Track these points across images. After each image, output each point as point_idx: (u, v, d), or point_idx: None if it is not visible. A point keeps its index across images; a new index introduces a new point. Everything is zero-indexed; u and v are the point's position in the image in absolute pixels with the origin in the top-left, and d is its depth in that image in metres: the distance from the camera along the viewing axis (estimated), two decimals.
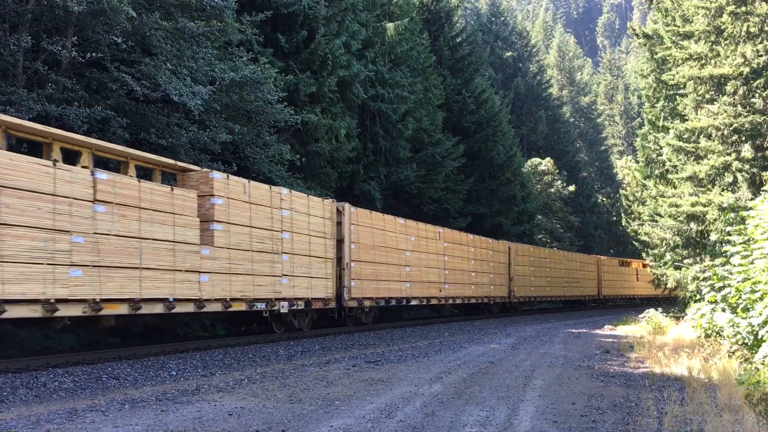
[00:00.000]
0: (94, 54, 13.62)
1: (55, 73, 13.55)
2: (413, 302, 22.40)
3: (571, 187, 54.83)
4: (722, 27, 19.30)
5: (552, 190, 52.39)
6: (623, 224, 39.19)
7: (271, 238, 15.13)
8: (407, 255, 22.03)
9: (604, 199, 71.27)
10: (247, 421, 6.84)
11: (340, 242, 18.22)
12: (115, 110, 14.28)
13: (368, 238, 19.61)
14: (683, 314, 21.10)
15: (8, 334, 12.32)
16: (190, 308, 12.79)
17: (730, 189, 19.50)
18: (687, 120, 21.16)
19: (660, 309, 22.26)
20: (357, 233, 18.97)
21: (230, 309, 13.84)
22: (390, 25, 28.70)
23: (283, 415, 7.18)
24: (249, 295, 14.33)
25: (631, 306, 46.06)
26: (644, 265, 50.01)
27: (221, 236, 13.50)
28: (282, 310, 15.55)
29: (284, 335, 16.34)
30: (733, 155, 19.20)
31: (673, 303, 31.20)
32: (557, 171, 53.98)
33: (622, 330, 21.10)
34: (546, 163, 52.65)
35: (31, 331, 12.89)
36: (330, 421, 6.88)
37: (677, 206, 21.28)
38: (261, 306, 14.74)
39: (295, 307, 16.02)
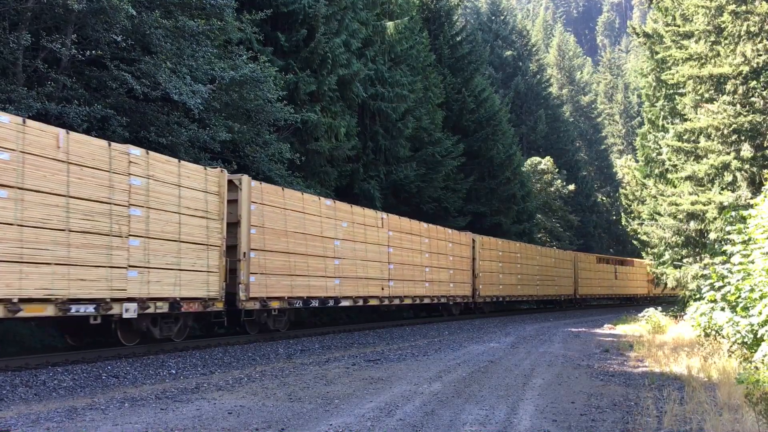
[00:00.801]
0: (93, 52, 13.61)
1: (55, 71, 13.55)
2: (344, 302, 18.49)
3: (571, 186, 54.86)
4: (722, 26, 19.30)
5: (552, 189, 52.41)
6: (623, 223, 39.22)
7: (110, 214, 11.23)
8: (336, 245, 18.14)
9: (604, 198, 71.31)
10: (246, 420, 6.84)
11: (234, 225, 14.55)
12: (115, 109, 14.28)
13: (278, 221, 15.84)
14: (683, 313, 21.11)
15: (8, 332, 12.33)
16: None
17: (729, 188, 19.51)
18: (687, 119, 21.17)
19: (659, 309, 22.26)
20: (261, 215, 15.23)
21: (18, 315, 9.76)
22: (390, 24, 28.70)
23: (282, 413, 7.18)
24: (61, 294, 10.34)
25: (609, 306, 46.11)
26: (623, 262, 49.67)
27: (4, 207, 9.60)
28: (127, 315, 11.51)
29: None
30: (733, 154, 19.21)
31: (655, 303, 31.28)
32: (557, 170, 54.00)
33: (621, 329, 21.11)
34: (546, 162, 52.66)
35: (31, 329, 12.89)
36: (329, 419, 6.88)
37: (677, 205, 21.29)
38: (86, 309, 10.78)
39: (150, 311, 12.09)
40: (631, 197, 34.91)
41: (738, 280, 10.62)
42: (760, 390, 7.07)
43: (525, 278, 33.58)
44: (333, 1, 23.23)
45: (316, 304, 17.23)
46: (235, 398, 8.07)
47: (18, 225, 9.76)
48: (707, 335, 13.73)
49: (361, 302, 19.35)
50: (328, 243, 17.76)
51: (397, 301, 21.61)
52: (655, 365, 11.69)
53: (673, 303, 32.47)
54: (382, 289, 20.49)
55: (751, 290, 9.78)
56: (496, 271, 30.19)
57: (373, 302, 20.04)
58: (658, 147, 25.66)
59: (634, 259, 51.23)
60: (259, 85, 17.08)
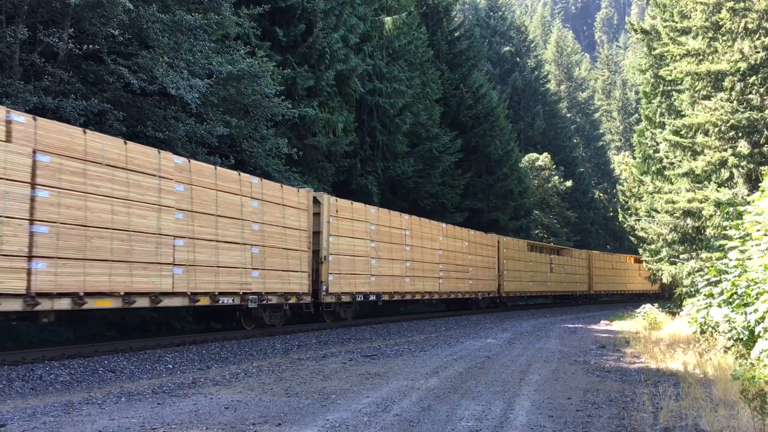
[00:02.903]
0: (90, 46, 13.57)
1: (52, 65, 13.51)
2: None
3: (569, 183, 54.86)
4: (720, 23, 19.31)
5: (549, 185, 52.44)
6: (620, 220, 39.26)
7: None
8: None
9: (601, 194, 71.39)
10: (243, 415, 6.84)
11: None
12: (112, 103, 14.24)
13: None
14: (679, 310, 21.15)
15: (4, 326, 12.31)
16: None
17: (726, 185, 19.55)
18: (684, 116, 21.19)
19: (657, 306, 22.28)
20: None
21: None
22: (388, 19, 28.65)
23: (279, 408, 7.18)
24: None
25: (612, 302, 46.16)
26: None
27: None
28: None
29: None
30: (730, 151, 19.23)
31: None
32: (554, 166, 54.00)
33: (617, 325, 21.15)
34: (543, 159, 52.68)
35: (28, 324, 12.88)
36: (326, 414, 6.89)
37: (674, 202, 21.32)
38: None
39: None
40: (628, 194, 34.93)
41: (735, 277, 10.64)
42: (755, 386, 7.10)
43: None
44: None
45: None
46: (231, 393, 8.07)
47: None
48: (703, 332, 13.77)
49: (419, 297, 23.35)
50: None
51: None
52: (651, 361, 11.72)
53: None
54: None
55: (748, 286, 9.80)
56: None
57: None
58: (655, 144, 25.70)
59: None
60: (256, 80, 17.04)
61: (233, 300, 14.08)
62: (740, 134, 19.10)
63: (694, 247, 21.68)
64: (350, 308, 19.73)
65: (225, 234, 13.88)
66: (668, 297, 45.98)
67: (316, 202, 17.68)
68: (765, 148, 18.91)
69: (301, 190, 17.12)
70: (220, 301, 13.69)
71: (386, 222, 21.31)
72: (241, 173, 14.88)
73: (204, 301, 13.28)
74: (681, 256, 22.11)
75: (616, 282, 47.63)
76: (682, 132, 20.81)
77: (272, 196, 15.62)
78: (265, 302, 15.17)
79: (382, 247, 20.88)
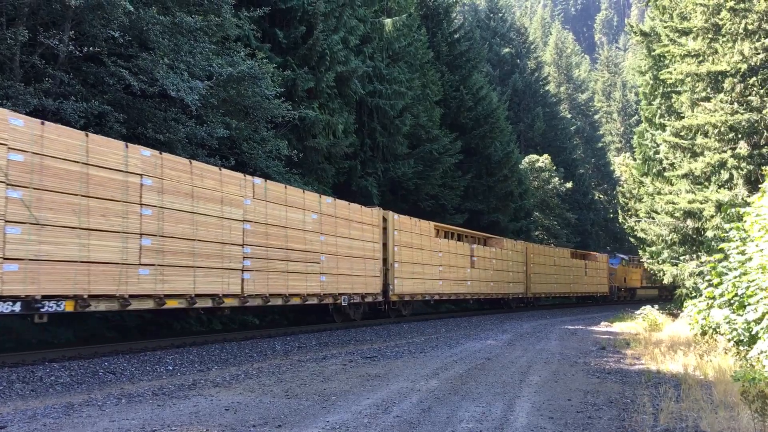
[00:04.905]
0: (91, 48, 13.57)
1: (52, 67, 13.51)
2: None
3: (569, 184, 54.88)
4: (720, 24, 19.32)
5: (549, 186, 52.45)
6: (620, 221, 39.26)
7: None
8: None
9: (601, 195, 71.45)
10: (243, 416, 6.84)
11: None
12: (113, 105, 14.24)
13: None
14: (679, 311, 21.15)
15: (5, 327, 12.32)
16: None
17: (726, 186, 19.55)
18: (684, 117, 21.20)
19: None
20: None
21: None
22: (388, 21, 28.67)
23: (279, 410, 7.18)
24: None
25: (625, 303, 45.92)
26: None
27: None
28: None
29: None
30: (729, 152, 19.24)
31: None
32: (554, 168, 54.02)
33: (618, 326, 21.13)
34: (543, 160, 52.70)
35: (28, 325, 12.88)
36: (326, 416, 6.89)
37: (674, 203, 21.33)
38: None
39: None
40: (628, 195, 34.95)
41: (736, 278, 10.65)
42: (756, 388, 7.09)
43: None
44: None
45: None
46: (232, 394, 8.07)
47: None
48: (704, 333, 13.77)
49: (453, 297, 26.31)
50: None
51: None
52: (652, 363, 11.71)
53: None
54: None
55: (748, 287, 9.80)
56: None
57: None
58: (655, 145, 25.71)
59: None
60: (256, 82, 17.04)
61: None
62: (740, 135, 19.12)
63: (695, 248, 21.69)
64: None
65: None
66: (618, 300, 45.77)
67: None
68: (765, 150, 18.92)
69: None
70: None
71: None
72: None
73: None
74: (682, 258, 22.11)
75: (560, 282, 37.81)
76: (682, 133, 20.82)
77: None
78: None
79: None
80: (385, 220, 21.17)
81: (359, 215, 19.47)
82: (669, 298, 52.19)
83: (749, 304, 9.73)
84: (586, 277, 41.68)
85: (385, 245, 21.04)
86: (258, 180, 15.08)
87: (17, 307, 9.63)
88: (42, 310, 9.93)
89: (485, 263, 28.67)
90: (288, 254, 15.73)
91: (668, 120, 23.22)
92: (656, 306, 22.06)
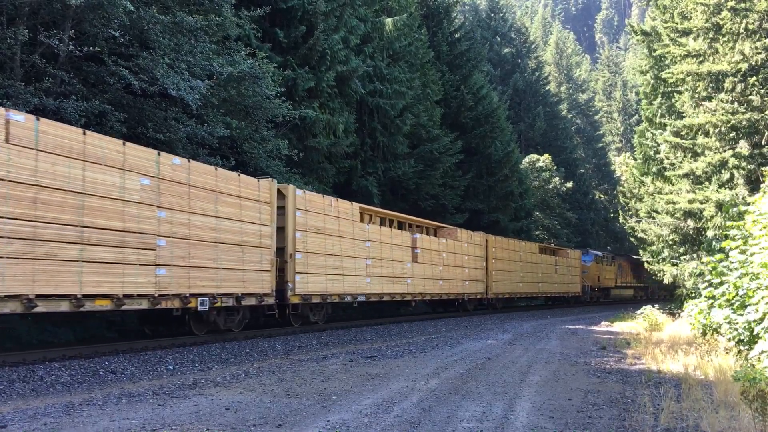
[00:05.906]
0: (91, 48, 13.57)
1: (53, 66, 13.51)
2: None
3: (569, 184, 54.86)
4: (721, 23, 19.31)
5: (549, 186, 52.43)
6: (620, 221, 39.24)
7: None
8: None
9: (602, 195, 71.40)
10: (244, 416, 6.84)
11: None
12: (113, 104, 14.25)
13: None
14: (680, 311, 21.15)
15: (5, 327, 12.31)
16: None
17: (727, 186, 19.54)
18: (684, 117, 21.19)
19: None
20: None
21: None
22: (388, 21, 28.67)
23: (279, 409, 7.18)
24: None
25: (620, 303, 45.90)
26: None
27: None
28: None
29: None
30: (730, 152, 19.23)
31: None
32: (555, 167, 54.00)
33: (618, 326, 21.13)
34: (544, 160, 52.68)
35: (28, 325, 12.89)
36: (327, 415, 6.89)
37: (674, 203, 21.32)
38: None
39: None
40: (628, 195, 34.92)
41: (737, 278, 10.64)
42: (756, 388, 7.09)
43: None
44: None
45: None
46: (232, 394, 8.07)
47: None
48: (704, 333, 13.76)
49: (416, 299, 23.35)
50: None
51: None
52: (652, 363, 11.71)
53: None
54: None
55: (749, 287, 9.80)
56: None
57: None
58: (655, 145, 25.71)
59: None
60: (257, 81, 17.05)
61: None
62: (741, 135, 19.11)
63: (695, 248, 21.68)
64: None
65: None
66: (591, 301, 45.36)
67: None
68: (765, 149, 18.91)
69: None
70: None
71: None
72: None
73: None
74: (682, 257, 22.12)
75: (526, 281, 33.31)
76: (683, 133, 20.82)
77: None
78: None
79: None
80: (283, 196, 16.28)
81: (236, 186, 14.38)
82: (645, 298, 52.10)
83: (750, 304, 9.72)
84: (557, 276, 37.36)
85: (282, 230, 16.15)
86: (18, 116, 9.94)
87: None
88: None
89: (433, 257, 24.06)
90: (85, 235, 10.72)
91: (669, 120, 23.21)
92: (656, 306, 22.05)
